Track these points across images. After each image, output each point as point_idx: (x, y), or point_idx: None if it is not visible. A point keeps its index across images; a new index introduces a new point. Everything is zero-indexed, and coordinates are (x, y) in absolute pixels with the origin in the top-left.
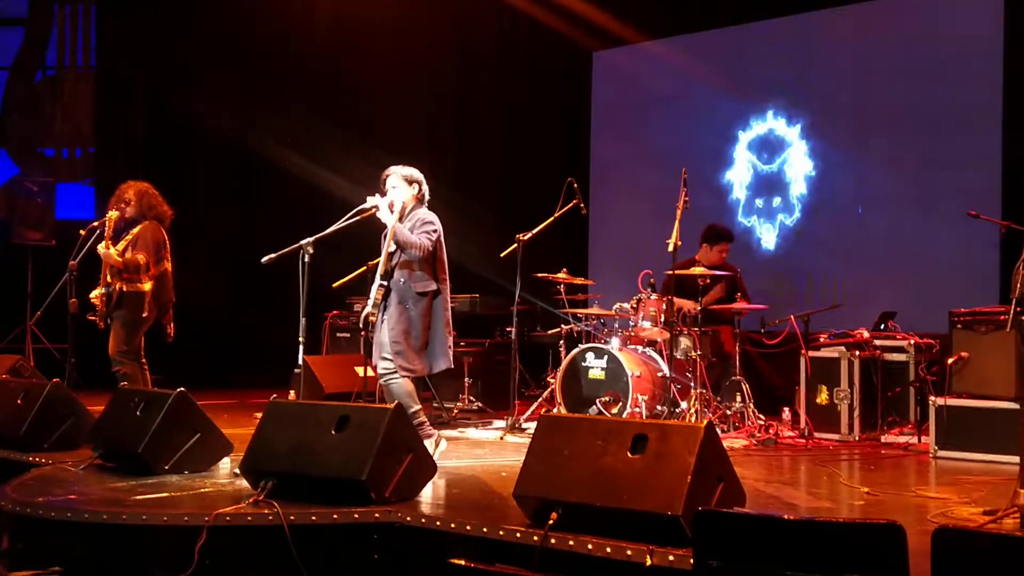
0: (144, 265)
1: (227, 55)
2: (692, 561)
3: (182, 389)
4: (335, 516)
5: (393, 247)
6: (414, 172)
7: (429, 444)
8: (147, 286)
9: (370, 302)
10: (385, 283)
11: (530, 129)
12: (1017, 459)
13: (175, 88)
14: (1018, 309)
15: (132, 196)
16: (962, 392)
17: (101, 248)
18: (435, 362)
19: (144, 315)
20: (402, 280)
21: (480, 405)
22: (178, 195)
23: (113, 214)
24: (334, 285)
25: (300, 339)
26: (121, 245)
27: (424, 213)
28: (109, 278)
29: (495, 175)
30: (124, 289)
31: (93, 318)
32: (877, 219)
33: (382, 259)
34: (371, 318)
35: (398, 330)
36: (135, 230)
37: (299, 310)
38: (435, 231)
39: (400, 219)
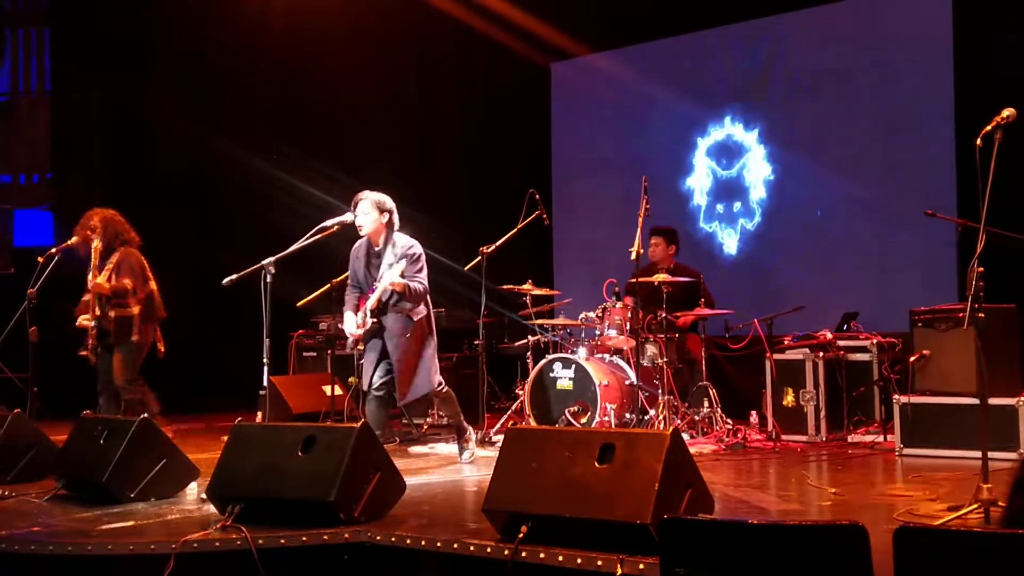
0: (131, 289)
1: (184, 76)
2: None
3: (145, 415)
4: (304, 539)
5: (383, 288)
6: (386, 200)
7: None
8: (135, 310)
9: (355, 328)
10: (376, 320)
11: (491, 142)
12: (980, 454)
13: (132, 110)
14: (975, 306)
15: (97, 223)
16: (925, 390)
17: (91, 279)
18: (428, 381)
19: (135, 338)
20: (402, 313)
21: (449, 420)
22: (138, 218)
23: (97, 243)
24: (298, 304)
25: (264, 360)
26: (104, 274)
27: (406, 244)
28: (99, 309)
29: (457, 189)
30: (113, 315)
31: (85, 353)
32: (836, 221)
33: (373, 298)
34: (359, 346)
35: (404, 362)
36: (114, 257)
37: (263, 331)
38: (424, 268)
39: (383, 246)
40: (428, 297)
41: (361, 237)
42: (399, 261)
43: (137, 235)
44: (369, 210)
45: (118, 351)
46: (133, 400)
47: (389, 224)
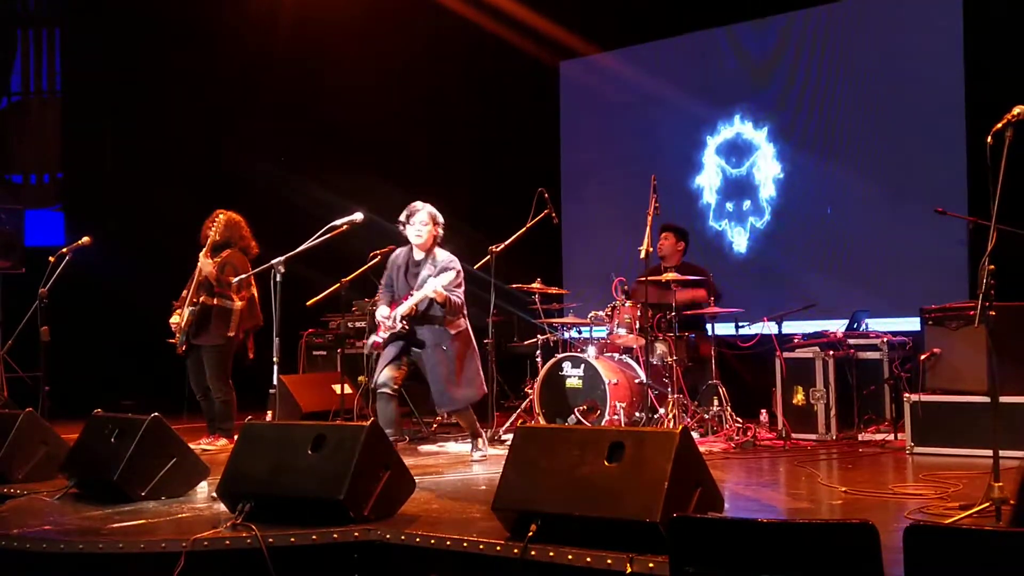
0: (235, 286)
1: (194, 76)
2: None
3: (156, 414)
4: (314, 537)
5: (420, 298)
6: (439, 214)
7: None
8: (238, 304)
9: (387, 314)
10: (404, 325)
11: (500, 141)
12: (991, 453)
13: (142, 111)
14: (986, 304)
15: (221, 222)
16: (936, 388)
17: (202, 257)
18: (475, 392)
19: (231, 334)
20: (436, 325)
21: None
22: (148, 218)
23: (221, 216)
24: (308, 303)
25: (274, 359)
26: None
27: (446, 259)
28: (201, 296)
29: (466, 188)
30: (216, 304)
31: (172, 341)
32: (846, 219)
33: (407, 304)
34: (376, 348)
35: (438, 371)
36: (224, 254)
37: (273, 329)
38: (462, 284)
39: (425, 257)
40: (466, 311)
41: (409, 244)
42: (439, 274)
43: (256, 246)
44: (427, 220)
45: (205, 353)
46: (222, 400)
47: (437, 236)
